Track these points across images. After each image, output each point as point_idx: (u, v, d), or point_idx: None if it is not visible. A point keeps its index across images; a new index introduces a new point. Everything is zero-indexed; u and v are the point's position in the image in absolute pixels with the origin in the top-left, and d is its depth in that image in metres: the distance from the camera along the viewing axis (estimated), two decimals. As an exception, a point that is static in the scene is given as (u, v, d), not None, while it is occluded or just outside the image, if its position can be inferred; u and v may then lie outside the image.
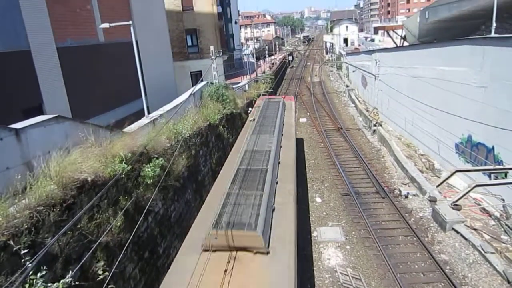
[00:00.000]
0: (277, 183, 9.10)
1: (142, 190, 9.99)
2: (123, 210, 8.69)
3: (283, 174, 9.78)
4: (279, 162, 10.42)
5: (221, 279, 5.63)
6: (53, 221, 6.44)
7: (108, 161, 8.76)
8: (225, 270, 5.82)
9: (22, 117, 8.42)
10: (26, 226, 5.88)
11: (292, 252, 6.44)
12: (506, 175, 13.72)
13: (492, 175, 14.58)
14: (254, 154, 10.41)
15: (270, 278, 5.80)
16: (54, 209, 6.51)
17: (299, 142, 24.03)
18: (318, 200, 17.53)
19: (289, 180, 9.49)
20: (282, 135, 13.27)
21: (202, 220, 7.49)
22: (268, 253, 6.27)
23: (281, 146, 11.88)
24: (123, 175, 8.95)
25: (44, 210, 6.29)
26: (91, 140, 9.02)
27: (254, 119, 14.99)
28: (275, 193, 8.48)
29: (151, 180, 10.13)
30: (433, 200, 15.35)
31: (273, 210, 7.68)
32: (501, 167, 13.77)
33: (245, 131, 14.09)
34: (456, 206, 14.05)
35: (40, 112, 12.73)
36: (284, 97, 20.13)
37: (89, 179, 7.73)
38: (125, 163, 8.99)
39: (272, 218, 7.33)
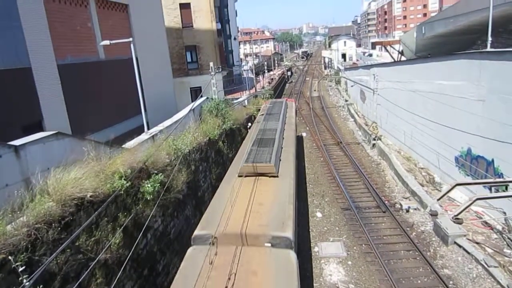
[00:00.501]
0: (282, 147, 13.21)
1: (141, 206, 9.93)
2: (122, 227, 8.63)
3: (286, 143, 14.17)
4: (283, 138, 14.78)
5: (251, 191, 9.35)
6: (51, 239, 6.39)
7: (107, 177, 8.74)
8: (252, 186, 9.59)
9: (22, 133, 8.45)
10: (23, 244, 5.82)
11: (292, 178, 10.45)
12: (506, 188, 13.67)
13: (492, 188, 14.53)
14: (266, 131, 14.90)
15: (279, 189, 9.59)
16: (52, 227, 6.47)
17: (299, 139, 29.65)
18: (319, 215, 17.42)
19: (290, 146, 13.95)
20: (285, 122, 18.14)
21: (235, 162, 12.36)
22: (278, 176, 10.27)
23: (284, 128, 16.60)
24: (122, 192, 8.91)
25: (42, 227, 6.24)
26: (90, 156, 9.01)
27: (263, 114, 19.77)
28: (281, 151, 12.57)
29: (151, 196, 10.09)
30: (434, 214, 15.26)
31: (280, 160, 11.56)
32: (501, 180, 13.73)
33: (257, 121, 18.82)
34: (457, 220, 13.96)
35: (40, 128, 12.78)
36: (286, 99, 27.60)
37: (88, 195, 7.69)
38: (124, 179, 8.97)
39: (280, 161, 11.39)
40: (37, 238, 6.10)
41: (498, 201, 13.99)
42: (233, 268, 6.49)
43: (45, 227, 6.29)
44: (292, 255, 7.05)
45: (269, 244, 7.20)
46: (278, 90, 55.81)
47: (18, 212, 6.34)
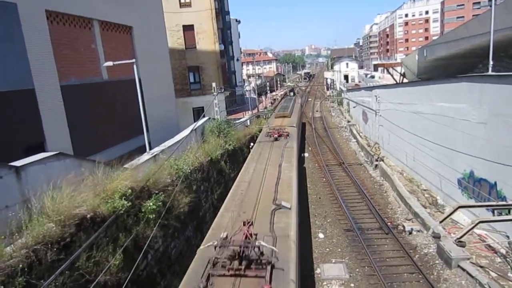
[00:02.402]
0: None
1: (142, 226, 9.89)
2: (122, 248, 8.57)
3: (293, 118, 27.99)
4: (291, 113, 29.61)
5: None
6: (50, 260, 6.35)
7: (107, 197, 8.74)
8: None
9: (24, 154, 8.51)
10: (22, 266, 5.79)
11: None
12: (509, 212, 13.55)
13: (495, 211, 14.40)
14: (282, 109, 32.90)
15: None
16: (52, 248, 6.44)
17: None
18: (321, 236, 17.25)
19: (295, 116, 28.98)
20: (293, 107, 33.75)
21: (263, 131, 21.95)
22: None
23: (292, 111, 30.63)
24: (122, 212, 8.89)
25: (41, 249, 6.22)
26: (91, 177, 9.04)
27: (278, 105, 36.27)
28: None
29: (152, 216, 10.06)
30: (437, 237, 15.07)
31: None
32: (504, 203, 13.61)
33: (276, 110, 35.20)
34: (460, 243, 13.77)
35: (42, 149, 12.83)
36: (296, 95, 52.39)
37: (88, 216, 7.69)
38: (125, 199, 8.97)
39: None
40: (36, 260, 6.06)
41: (501, 224, 13.84)
42: None
43: (44, 248, 6.26)
44: None
45: None
46: (281, 110, 56.11)
47: (17, 234, 6.32)
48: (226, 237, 6.57)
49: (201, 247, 6.96)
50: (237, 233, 6.66)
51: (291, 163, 13.88)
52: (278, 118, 27.01)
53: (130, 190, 9.36)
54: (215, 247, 6.34)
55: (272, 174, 12.41)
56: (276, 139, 18.50)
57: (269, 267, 5.93)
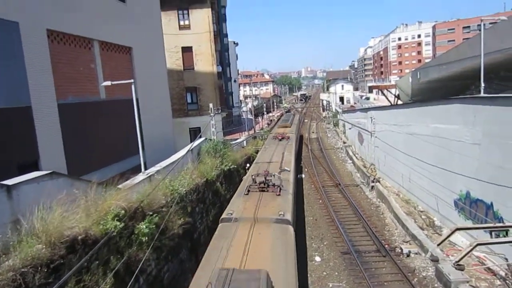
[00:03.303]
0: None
1: (135, 249, 9.67)
2: (113, 271, 8.34)
3: (293, 127, 36.13)
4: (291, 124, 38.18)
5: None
6: (38, 284, 6.15)
7: (100, 218, 8.57)
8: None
9: (18, 172, 8.38)
10: (8, 289, 5.60)
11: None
12: (507, 233, 13.43)
13: (493, 233, 14.27)
14: (284, 121, 43.83)
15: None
16: (40, 271, 6.25)
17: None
18: (318, 259, 16.97)
19: (294, 126, 37.10)
20: (293, 121, 42.39)
21: (270, 136, 29.08)
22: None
23: (292, 122, 39.28)
24: (115, 233, 8.70)
25: (29, 271, 6.03)
26: (84, 197, 8.89)
27: (279, 119, 46.87)
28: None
29: (145, 238, 9.85)
30: (435, 260, 14.85)
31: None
32: (501, 225, 13.52)
33: (279, 122, 49.15)
34: (459, 266, 13.55)
35: (36, 168, 12.69)
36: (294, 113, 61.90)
37: (79, 237, 7.51)
38: (117, 220, 8.79)
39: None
40: (23, 283, 5.87)
41: (499, 246, 13.70)
42: None
43: (32, 271, 6.08)
44: None
45: None
46: (277, 131, 56.40)
47: (4, 256, 6.14)
48: (257, 173, 12.97)
49: (245, 177, 15.54)
50: (261, 173, 12.73)
51: (290, 153, 20.82)
52: (280, 128, 35.82)
53: (123, 211, 9.20)
54: (252, 177, 12.64)
55: (278, 156, 19.02)
56: (280, 140, 25.38)
57: (278, 188, 11.72)
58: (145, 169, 14.52)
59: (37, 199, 7.63)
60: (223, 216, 9.93)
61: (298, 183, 27.43)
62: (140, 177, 13.21)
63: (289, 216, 9.64)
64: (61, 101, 14.84)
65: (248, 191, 11.80)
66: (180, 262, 12.91)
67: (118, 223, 8.69)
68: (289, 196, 11.50)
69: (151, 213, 10.61)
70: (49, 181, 8.30)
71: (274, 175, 12.50)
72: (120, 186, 11.54)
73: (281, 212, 9.71)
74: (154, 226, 10.13)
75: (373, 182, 26.28)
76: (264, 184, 11.93)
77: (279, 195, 11.36)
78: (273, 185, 11.87)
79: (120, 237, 9.13)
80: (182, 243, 13.27)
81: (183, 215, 13.23)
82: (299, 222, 19.50)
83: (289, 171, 15.15)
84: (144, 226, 9.87)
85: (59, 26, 15.05)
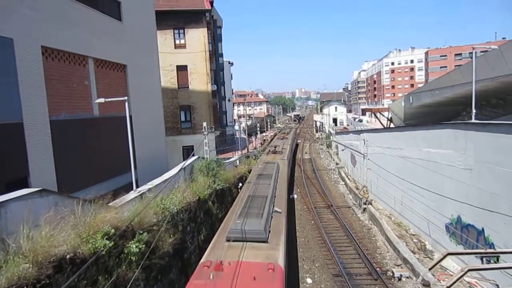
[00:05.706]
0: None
1: (124, 268, 9.50)
2: (101, 291, 8.17)
3: (287, 141, 46.09)
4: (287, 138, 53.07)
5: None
6: (23, 304, 6.00)
7: (89, 236, 8.44)
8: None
9: (5, 190, 8.25)
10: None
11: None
12: (498, 259, 13.42)
13: (484, 259, 14.25)
14: (282, 134, 63.59)
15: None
16: (26, 290, 6.10)
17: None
18: (309, 281, 16.78)
19: (289, 138, 52.20)
20: (287, 138, 52.78)
21: (267, 149, 37.92)
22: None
23: (286, 138, 51.88)
24: (104, 252, 8.56)
25: (15, 291, 5.89)
26: (74, 214, 8.77)
27: (275, 138, 59.45)
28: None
29: (135, 258, 9.69)
30: (426, 284, 14.79)
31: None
32: (492, 251, 13.52)
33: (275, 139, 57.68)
34: (451, 291, 13.47)
35: (25, 185, 12.48)
36: (288, 135, 60.31)
37: (67, 256, 7.37)
38: (107, 239, 8.66)
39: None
40: (7, 303, 5.73)
41: (490, 272, 13.65)
42: None
43: (18, 291, 5.94)
44: None
45: None
46: (270, 151, 56.70)
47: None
48: (269, 150, 32.12)
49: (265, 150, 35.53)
50: (271, 151, 31.23)
51: (283, 158, 28.19)
52: (279, 139, 45.89)
53: (113, 230, 9.07)
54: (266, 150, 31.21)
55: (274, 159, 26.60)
56: (274, 152, 32.15)
57: (282, 153, 30.12)
58: (137, 186, 14.39)
59: (26, 216, 7.51)
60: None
61: (290, 203, 27.40)
62: (131, 195, 13.08)
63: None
64: (54, 117, 14.73)
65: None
66: (170, 282, 12.68)
67: (107, 242, 8.56)
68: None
69: (141, 231, 10.47)
70: (38, 198, 8.18)
71: (278, 146, 20.28)
72: (110, 204, 11.41)
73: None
74: (144, 245, 9.99)
75: (365, 204, 26.28)
76: (274, 153, 18.30)
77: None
78: (280, 153, 19.38)
79: (109, 256, 8.99)
80: (172, 263, 13.07)
81: (174, 234, 13.07)
82: (290, 243, 19.34)
83: (286, 160, 23.00)
84: (134, 246, 9.73)
85: (54, 43, 15.08)
